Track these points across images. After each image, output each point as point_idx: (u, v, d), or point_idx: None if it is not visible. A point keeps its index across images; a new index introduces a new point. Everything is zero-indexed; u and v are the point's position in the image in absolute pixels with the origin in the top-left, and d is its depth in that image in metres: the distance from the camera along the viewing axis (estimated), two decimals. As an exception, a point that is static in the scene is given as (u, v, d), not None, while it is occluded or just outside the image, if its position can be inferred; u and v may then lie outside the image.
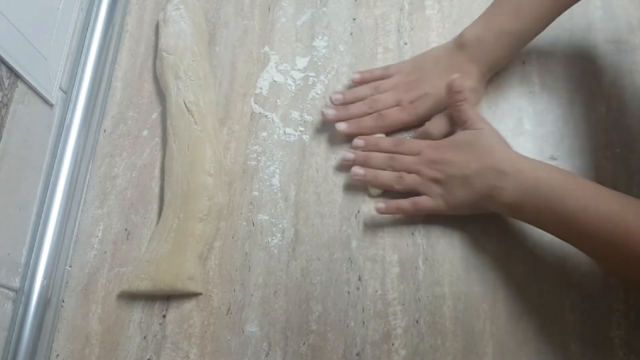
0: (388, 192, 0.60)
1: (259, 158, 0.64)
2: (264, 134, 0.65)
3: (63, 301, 0.60)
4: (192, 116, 0.62)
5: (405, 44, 0.68)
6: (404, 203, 0.57)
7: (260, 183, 0.63)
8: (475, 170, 0.53)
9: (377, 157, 0.59)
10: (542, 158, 0.60)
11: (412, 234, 0.59)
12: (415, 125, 0.61)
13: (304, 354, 0.55)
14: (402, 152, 0.59)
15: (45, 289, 0.58)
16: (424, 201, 0.56)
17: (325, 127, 0.65)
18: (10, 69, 0.55)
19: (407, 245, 0.58)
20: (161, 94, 0.67)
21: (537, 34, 0.59)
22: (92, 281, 0.60)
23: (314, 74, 0.67)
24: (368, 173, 0.58)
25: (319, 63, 0.68)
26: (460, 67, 0.59)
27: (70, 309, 0.59)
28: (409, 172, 0.57)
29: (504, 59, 0.60)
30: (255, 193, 0.62)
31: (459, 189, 0.54)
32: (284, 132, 0.65)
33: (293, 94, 0.67)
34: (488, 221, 0.58)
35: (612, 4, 0.67)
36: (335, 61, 0.68)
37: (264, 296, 0.58)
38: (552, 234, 0.52)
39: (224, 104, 0.67)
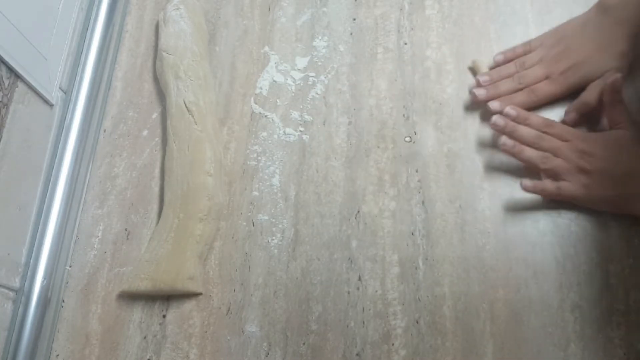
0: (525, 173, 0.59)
1: (259, 158, 0.64)
2: (264, 134, 0.65)
3: (63, 301, 0.60)
4: (192, 116, 0.62)
5: (405, 44, 0.68)
6: (549, 185, 0.56)
7: (260, 183, 0.63)
8: (628, 171, 0.53)
9: (527, 131, 0.57)
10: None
11: (412, 234, 0.59)
12: (566, 96, 0.60)
13: (304, 354, 0.55)
14: (551, 134, 0.58)
15: (45, 289, 0.58)
16: (568, 187, 0.55)
17: (325, 127, 0.65)
18: (10, 69, 0.55)
19: (407, 245, 0.58)
20: (161, 94, 0.67)
21: None
22: (92, 281, 0.60)
23: (314, 74, 0.67)
24: (516, 145, 0.57)
25: (319, 63, 0.68)
26: (607, 32, 0.58)
27: (70, 309, 0.59)
28: (556, 155, 0.56)
29: None
30: (255, 193, 0.62)
31: (609, 184, 0.54)
32: (284, 132, 0.65)
33: (293, 94, 0.67)
34: (487, 222, 0.58)
35: (612, 4, 0.67)
36: (335, 61, 0.68)
37: (264, 296, 0.58)
38: None
39: (224, 104, 0.67)
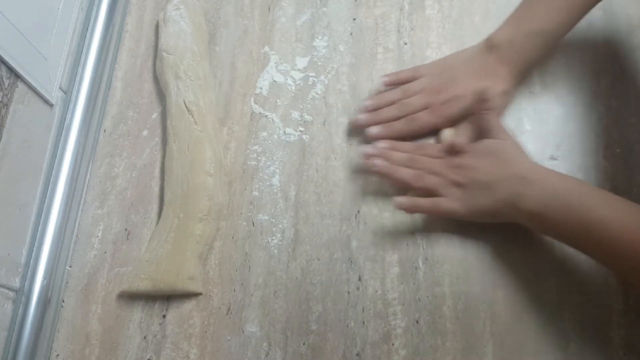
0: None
1: (259, 158, 0.64)
2: (264, 134, 0.65)
3: (63, 301, 0.60)
4: (192, 116, 0.62)
5: (405, 44, 0.68)
6: (425, 202, 0.56)
7: (260, 183, 0.63)
8: (499, 177, 0.53)
9: (399, 155, 0.59)
10: (542, 158, 0.60)
11: (412, 234, 0.59)
12: (445, 127, 0.61)
13: (304, 354, 0.55)
14: (425, 154, 0.59)
15: (45, 289, 0.58)
16: (444, 203, 0.56)
17: (325, 127, 0.65)
18: (10, 69, 0.55)
19: (407, 245, 0.58)
20: (161, 94, 0.67)
21: (566, 33, 0.59)
22: (92, 281, 0.60)
23: (314, 74, 0.67)
24: (389, 166, 0.58)
25: (319, 63, 0.68)
26: (491, 69, 0.59)
27: (70, 309, 0.59)
28: (430, 172, 0.57)
29: (535, 60, 0.60)
30: (255, 193, 0.62)
31: (481, 194, 0.54)
32: (284, 132, 0.65)
33: (293, 94, 0.67)
34: (486, 222, 0.58)
35: (612, 4, 0.67)
36: (335, 61, 0.68)
37: (264, 296, 0.58)
38: (571, 245, 0.52)
39: (224, 104, 0.67)
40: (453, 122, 0.60)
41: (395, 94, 0.62)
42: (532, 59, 0.60)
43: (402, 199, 0.57)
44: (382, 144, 0.60)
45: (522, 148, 0.56)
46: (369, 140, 0.61)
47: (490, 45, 0.60)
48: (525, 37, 0.58)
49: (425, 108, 0.60)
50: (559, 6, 0.57)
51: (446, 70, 0.61)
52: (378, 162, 0.58)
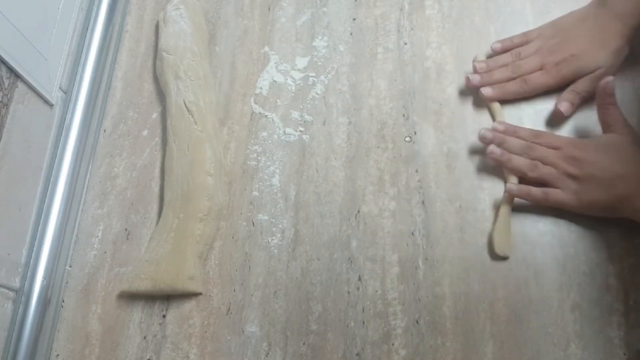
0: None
1: (259, 158, 0.64)
2: (264, 134, 0.65)
3: (63, 301, 0.60)
4: (192, 116, 0.62)
5: (405, 44, 0.68)
6: (536, 191, 0.56)
7: (260, 183, 0.63)
8: (618, 174, 0.53)
9: (515, 142, 0.58)
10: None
11: (412, 234, 0.59)
12: (559, 88, 0.61)
13: (304, 354, 0.55)
14: (541, 144, 0.58)
15: (45, 289, 0.58)
16: (556, 194, 0.55)
17: (325, 127, 0.65)
18: (10, 69, 0.55)
19: (407, 245, 0.58)
20: (161, 94, 0.67)
21: None
22: (92, 281, 0.60)
23: (314, 74, 0.67)
24: (504, 154, 0.57)
25: (319, 63, 0.68)
26: (605, 26, 0.58)
27: (70, 309, 0.59)
28: (545, 163, 0.56)
29: None
30: (255, 193, 0.62)
31: (598, 189, 0.54)
32: (284, 132, 0.65)
33: (293, 94, 0.67)
34: (487, 222, 0.58)
35: (612, 4, 0.67)
36: (335, 61, 0.68)
37: (264, 296, 0.58)
38: None
39: (224, 104, 0.67)
40: (567, 82, 0.60)
41: (507, 57, 0.62)
42: None
43: (514, 187, 0.57)
44: (499, 126, 0.59)
45: None
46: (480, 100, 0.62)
47: (602, 2, 0.59)
48: None
49: (539, 69, 0.60)
50: None
51: (559, 31, 0.61)
52: (494, 150, 0.57)
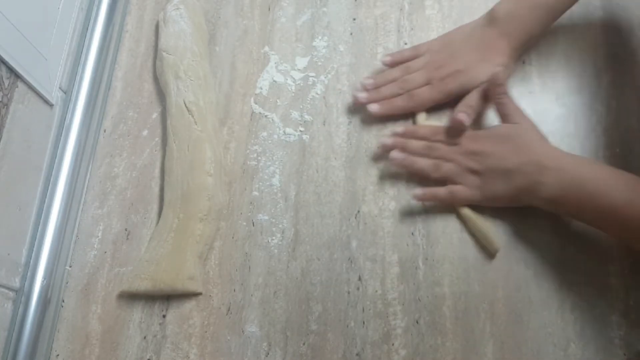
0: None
1: (259, 158, 0.64)
2: (264, 134, 0.65)
3: (63, 301, 0.60)
4: (192, 116, 0.62)
5: (405, 44, 0.68)
6: (441, 191, 0.57)
7: (260, 183, 0.63)
8: (516, 164, 0.54)
9: (415, 144, 0.59)
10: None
11: (412, 234, 0.59)
12: (445, 102, 0.61)
13: (304, 354, 0.55)
14: (440, 141, 0.59)
15: (45, 289, 0.58)
16: (460, 190, 0.56)
17: (325, 127, 0.65)
18: (10, 69, 0.55)
19: (407, 245, 0.58)
20: (161, 94, 0.67)
21: (569, 7, 0.59)
22: (92, 281, 0.60)
23: (314, 74, 0.67)
24: (407, 158, 0.58)
25: (319, 63, 0.68)
26: (490, 43, 0.60)
27: (70, 309, 0.59)
28: (447, 160, 0.58)
29: (536, 34, 0.60)
30: (255, 193, 0.62)
31: (498, 181, 0.55)
32: (284, 132, 0.65)
33: (293, 94, 0.67)
34: (487, 222, 0.58)
35: (612, 4, 0.67)
36: (335, 61, 0.68)
37: (264, 296, 0.58)
38: (591, 225, 0.53)
39: (224, 104, 0.67)
40: (453, 97, 0.61)
41: (395, 72, 0.63)
42: (533, 32, 0.60)
43: (419, 192, 0.57)
44: (398, 129, 0.60)
45: (539, 131, 0.56)
46: (370, 119, 0.63)
47: (491, 19, 0.60)
48: (526, 10, 0.59)
49: (426, 84, 0.61)
50: None
51: (446, 45, 0.62)
52: (396, 155, 0.58)
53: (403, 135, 0.60)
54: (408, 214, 0.60)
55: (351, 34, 0.69)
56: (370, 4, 0.70)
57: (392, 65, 0.64)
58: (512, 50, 0.60)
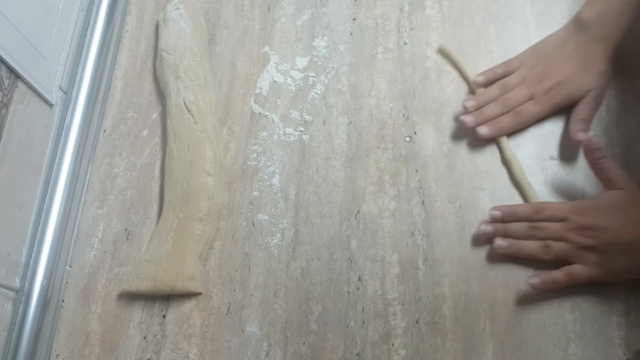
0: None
1: (259, 158, 0.64)
2: (264, 134, 0.65)
3: (63, 301, 0.60)
4: (192, 116, 0.62)
5: (405, 44, 0.68)
6: (559, 275, 0.53)
7: (260, 183, 0.63)
8: (637, 235, 0.50)
9: (518, 227, 0.55)
10: (542, 158, 0.60)
11: (412, 234, 0.59)
12: (552, 115, 0.60)
13: (304, 354, 0.55)
14: (544, 219, 0.55)
15: (45, 289, 0.58)
16: (579, 270, 0.52)
17: (325, 127, 0.65)
18: (10, 69, 0.55)
19: (407, 245, 0.58)
20: (161, 94, 0.67)
21: None
22: (92, 281, 0.60)
23: (314, 74, 0.67)
24: (512, 244, 0.55)
25: (319, 63, 0.68)
26: (586, 50, 0.58)
27: (70, 309, 0.59)
28: (556, 240, 0.54)
29: (628, 30, 0.57)
30: (255, 193, 0.62)
31: (621, 256, 0.51)
32: (284, 132, 0.65)
33: (293, 94, 0.67)
34: (486, 222, 0.58)
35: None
36: (335, 61, 0.68)
37: (264, 296, 0.58)
38: None
39: (224, 104, 0.67)
40: (560, 109, 0.59)
41: (494, 90, 0.61)
42: (626, 30, 0.57)
43: (536, 280, 0.53)
44: (496, 213, 0.56)
45: None
46: (477, 141, 0.61)
47: (580, 25, 0.58)
48: (617, 8, 0.56)
49: (529, 99, 0.59)
50: None
51: (541, 57, 0.60)
52: (501, 243, 0.55)
53: (503, 218, 0.56)
54: (408, 214, 0.60)
55: (351, 34, 0.69)
56: (370, 4, 0.70)
57: (486, 83, 0.62)
58: (609, 53, 0.57)
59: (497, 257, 0.56)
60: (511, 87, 0.60)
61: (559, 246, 0.53)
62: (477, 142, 0.61)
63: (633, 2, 0.55)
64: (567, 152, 0.60)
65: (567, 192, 0.58)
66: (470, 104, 0.61)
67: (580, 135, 0.56)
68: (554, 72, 0.59)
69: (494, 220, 0.57)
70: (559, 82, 0.58)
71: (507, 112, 0.60)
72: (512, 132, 0.60)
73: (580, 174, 0.59)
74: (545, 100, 0.59)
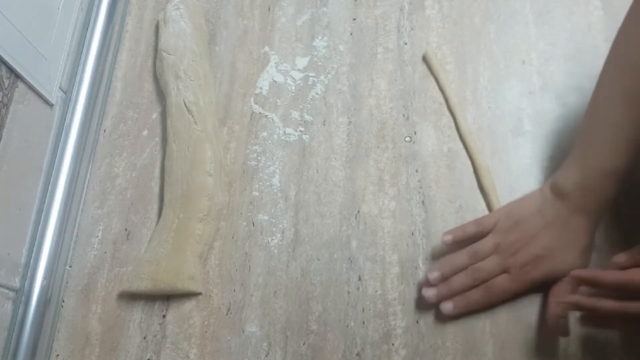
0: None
1: (259, 158, 0.64)
2: (264, 134, 0.65)
3: (63, 301, 0.60)
4: (192, 116, 0.62)
5: (405, 44, 0.68)
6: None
7: (260, 183, 0.63)
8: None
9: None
10: (542, 158, 0.60)
11: (412, 234, 0.59)
12: (527, 291, 0.54)
13: (304, 354, 0.55)
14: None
15: (45, 289, 0.58)
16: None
17: (325, 127, 0.65)
18: (10, 69, 0.55)
19: (407, 245, 0.58)
20: (161, 94, 0.67)
21: (633, 168, 0.50)
22: (92, 281, 0.60)
23: (314, 74, 0.67)
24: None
25: (319, 63, 0.68)
26: (569, 222, 0.52)
27: (70, 309, 0.59)
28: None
29: (610, 202, 0.52)
30: (255, 193, 0.62)
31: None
32: (284, 132, 0.65)
33: (293, 94, 0.67)
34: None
35: (612, 4, 0.67)
36: (335, 61, 0.68)
37: (264, 296, 0.58)
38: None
39: (224, 104, 0.67)
40: (536, 286, 0.53)
41: (463, 258, 0.54)
42: (608, 202, 0.51)
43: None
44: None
45: None
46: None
47: (558, 193, 0.53)
48: (597, 179, 0.50)
49: (502, 272, 0.53)
50: (625, 138, 0.49)
51: (516, 223, 0.54)
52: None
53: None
54: (408, 214, 0.60)
55: (351, 34, 0.69)
56: (370, 4, 0.70)
57: (455, 242, 0.55)
58: (593, 226, 0.52)
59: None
60: (482, 255, 0.54)
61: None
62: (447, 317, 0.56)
63: (610, 176, 0.50)
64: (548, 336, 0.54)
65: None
66: (434, 275, 0.54)
67: (561, 324, 0.51)
68: (530, 243, 0.53)
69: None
70: (536, 257, 0.52)
71: (477, 285, 0.53)
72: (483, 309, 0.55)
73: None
74: (521, 276, 0.53)
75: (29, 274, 0.58)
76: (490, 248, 0.54)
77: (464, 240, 0.55)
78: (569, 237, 0.52)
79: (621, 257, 0.47)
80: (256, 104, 0.67)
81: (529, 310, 0.55)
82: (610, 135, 0.50)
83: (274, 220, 0.61)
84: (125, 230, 0.62)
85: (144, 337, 0.57)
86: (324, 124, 0.65)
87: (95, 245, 0.62)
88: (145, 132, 0.67)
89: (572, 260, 0.52)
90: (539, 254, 0.52)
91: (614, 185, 0.50)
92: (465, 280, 0.54)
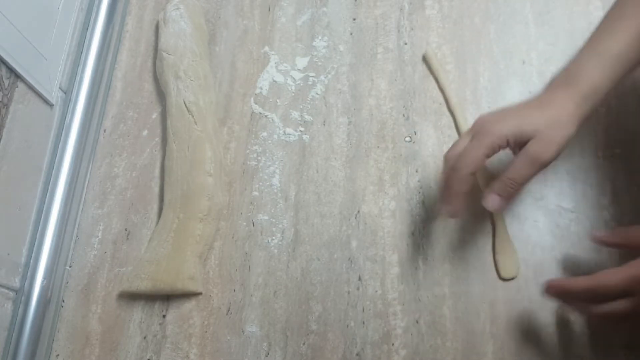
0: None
1: (259, 158, 0.64)
2: (264, 134, 0.65)
3: (63, 301, 0.60)
4: (192, 116, 0.62)
5: (405, 44, 0.68)
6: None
7: (260, 183, 0.63)
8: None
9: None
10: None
11: (412, 234, 0.59)
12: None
13: (304, 354, 0.55)
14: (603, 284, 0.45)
15: (45, 289, 0.58)
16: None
17: (325, 127, 0.65)
18: (10, 69, 0.55)
19: (407, 245, 0.58)
20: (161, 94, 0.67)
21: (636, 61, 0.49)
22: (92, 281, 0.60)
23: (314, 74, 0.67)
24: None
25: (319, 63, 0.68)
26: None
27: (70, 309, 0.59)
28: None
29: (601, 86, 0.49)
30: (255, 193, 0.62)
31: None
32: (284, 132, 0.65)
33: (293, 94, 0.67)
34: (487, 221, 0.58)
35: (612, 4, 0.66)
36: (335, 61, 0.68)
37: (264, 296, 0.58)
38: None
39: (224, 104, 0.67)
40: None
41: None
42: (595, 83, 0.49)
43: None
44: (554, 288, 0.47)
45: None
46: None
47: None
48: (585, 57, 0.50)
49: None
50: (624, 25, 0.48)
51: None
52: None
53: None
54: (408, 214, 0.60)
55: (351, 34, 0.69)
56: (370, 4, 0.70)
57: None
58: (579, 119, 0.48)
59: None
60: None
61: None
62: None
63: (601, 57, 0.49)
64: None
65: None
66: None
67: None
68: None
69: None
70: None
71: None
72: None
73: (581, 173, 0.59)
74: None
75: (29, 274, 0.58)
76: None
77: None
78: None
79: (600, 232, 0.50)
80: (256, 104, 0.67)
81: (529, 310, 0.55)
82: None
83: (274, 220, 0.61)
84: (125, 230, 0.62)
85: (144, 337, 0.57)
86: (324, 124, 0.65)
87: (95, 245, 0.62)
88: (145, 132, 0.67)
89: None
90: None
91: (602, 67, 0.49)
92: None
